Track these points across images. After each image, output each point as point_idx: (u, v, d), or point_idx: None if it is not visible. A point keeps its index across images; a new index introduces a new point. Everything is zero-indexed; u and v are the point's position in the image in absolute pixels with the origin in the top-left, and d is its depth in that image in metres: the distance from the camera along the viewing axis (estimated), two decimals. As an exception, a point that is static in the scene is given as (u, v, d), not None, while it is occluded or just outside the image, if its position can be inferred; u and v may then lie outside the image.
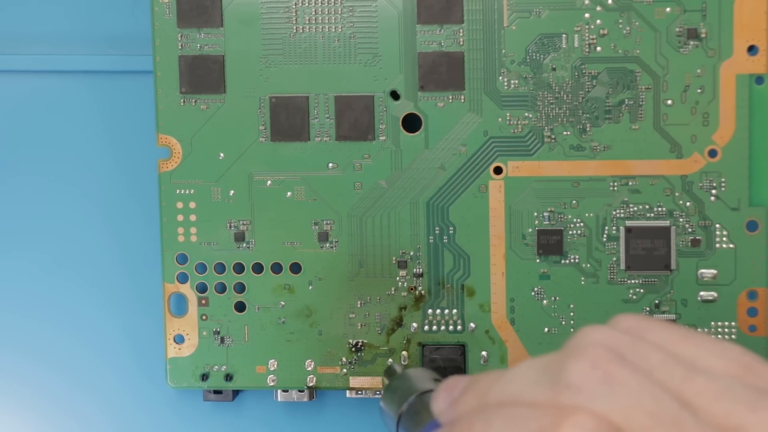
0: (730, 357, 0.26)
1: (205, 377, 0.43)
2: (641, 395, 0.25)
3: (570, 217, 0.41)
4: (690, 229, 0.41)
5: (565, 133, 0.41)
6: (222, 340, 0.42)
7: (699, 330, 0.41)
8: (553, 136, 0.41)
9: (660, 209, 0.41)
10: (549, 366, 0.26)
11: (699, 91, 0.41)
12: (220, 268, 0.42)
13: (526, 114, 0.41)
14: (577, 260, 0.41)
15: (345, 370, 0.42)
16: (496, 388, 0.27)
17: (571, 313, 0.41)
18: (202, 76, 0.42)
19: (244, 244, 0.42)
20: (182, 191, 0.42)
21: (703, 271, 0.41)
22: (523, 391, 0.26)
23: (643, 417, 0.24)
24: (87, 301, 0.45)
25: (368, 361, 0.42)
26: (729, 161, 0.41)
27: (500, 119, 0.41)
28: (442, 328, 0.42)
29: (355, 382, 0.42)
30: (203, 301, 0.42)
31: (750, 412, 0.25)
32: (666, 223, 0.41)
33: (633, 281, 0.41)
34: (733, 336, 0.41)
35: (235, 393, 0.43)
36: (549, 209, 0.41)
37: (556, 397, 0.25)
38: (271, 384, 0.42)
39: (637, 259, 0.41)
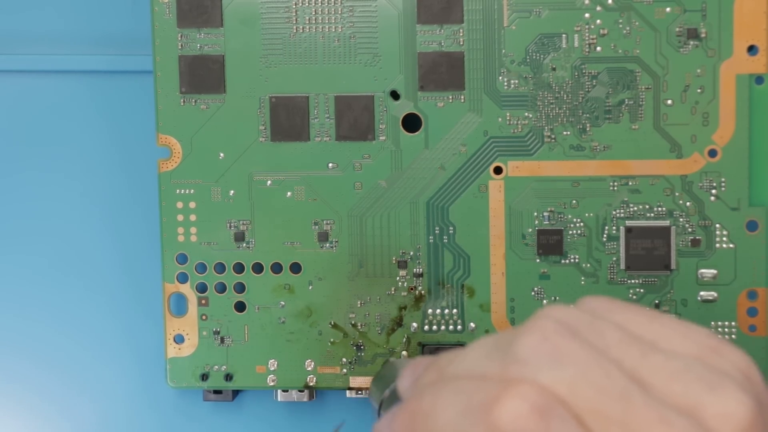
0: (695, 339, 0.26)
1: (205, 377, 0.43)
2: (589, 369, 0.25)
3: (570, 217, 0.41)
4: (690, 229, 0.41)
5: (565, 133, 0.41)
6: (222, 340, 0.42)
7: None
8: (553, 136, 0.41)
9: (660, 209, 0.41)
10: (501, 341, 0.26)
11: (699, 91, 0.41)
12: (220, 268, 0.42)
13: (526, 114, 0.41)
14: (577, 260, 0.41)
15: (345, 370, 0.42)
16: (453, 364, 0.27)
17: (571, 313, 0.41)
18: (202, 76, 0.42)
19: (244, 244, 0.42)
20: (182, 191, 0.42)
21: (703, 271, 0.41)
22: (475, 365, 0.26)
23: (589, 390, 0.24)
24: (87, 301, 0.45)
25: (368, 360, 0.42)
26: (729, 161, 0.41)
27: (500, 119, 0.41)
28: (442, 328, 0.42)
29: (355, 382, 0.42)
30: (203, 301, 0.42)
31: (708, 392, 0.24)
32: (666, 223, 0.41)
33: (633, 281, 0.41)
34: (733, 336, 0.41)
35: (235, 393, 0.43)
36: (549, 209, 0.41)
37: (504, 370, 0.25)
38: (271, 384, 0.42)
39: (637, 259, 0.41)
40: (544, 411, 0.24)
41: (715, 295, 0.41)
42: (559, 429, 0.24)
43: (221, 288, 0.43)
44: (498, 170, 0.41)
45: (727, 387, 0.25)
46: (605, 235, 0.41)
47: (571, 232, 0.41)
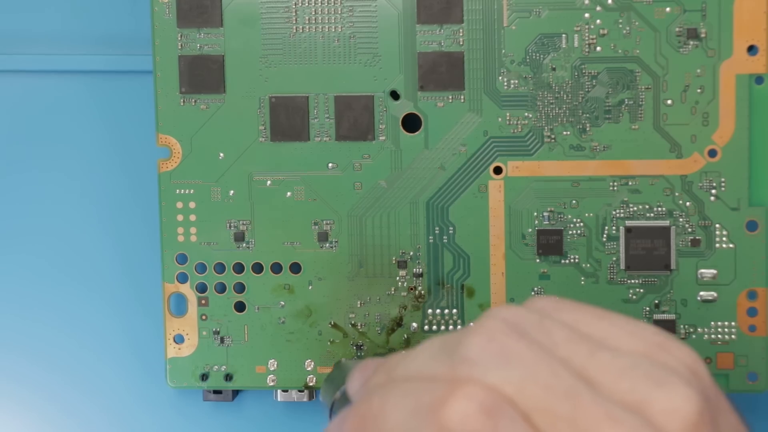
0: (642, 336, 0.26)
1: (204, 377, 0.43)
2: (536, 368, 0.25)
3: (570, 217, 0.41)
4: (690, 229, 0.41)
5: (564, 133, 0.41)
6: (222, 340, 0.42)
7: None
8: (552, 136, 0.41)
9: (660, 209, 0.41)
10: (449, 341, 0.26)
11: (699, 91, 0.41)
12: (220, 268, 0.42)
13: (526, 114, 0.41)
14: (577, 260, 0.41)
15: (345, 370, 0.42)
16: (402, 365, 0.27)
17: (571, 313, 0.41)
18: (202, 76, 0.42)
19: (244, 244, 0.42)
20: (182, 191, 0.42)
21: (702, 271, 0.41)
22: (423, 366, 0.26)
23: (536, 389, 0.24)
24: (87, 301, 0.45)
25: (368, 361, 0.42)
26: (729, 161, 0.41)
27: (500, 119, 0.41)
28: (442, 328, 0.42)
29: (354, 382, 0.42)
30: (203, 301, 0.42)
31: (654, 388, 0.25)
32: (666, 223, 0.41)
33: (633, 281, 0.41)
34: (733, 336, 0.41)
35: (235, 393, 0.43)
36: (549, 209, 0.41)
37: (452, 370, 0.25)
38: (271, 384, 0.42)
39: (637, 259, 0.41)
40: (492, 411, 0.24)
41: (715, 295, 0.41)
42: (507, 428, 0.24)
43: (221, 288, 0.43)
44: (498, 170, 0.41)
45: (673, 383, 0.25)
46: (605, 235, 0.41)
47: (571, 232, 0.41)
